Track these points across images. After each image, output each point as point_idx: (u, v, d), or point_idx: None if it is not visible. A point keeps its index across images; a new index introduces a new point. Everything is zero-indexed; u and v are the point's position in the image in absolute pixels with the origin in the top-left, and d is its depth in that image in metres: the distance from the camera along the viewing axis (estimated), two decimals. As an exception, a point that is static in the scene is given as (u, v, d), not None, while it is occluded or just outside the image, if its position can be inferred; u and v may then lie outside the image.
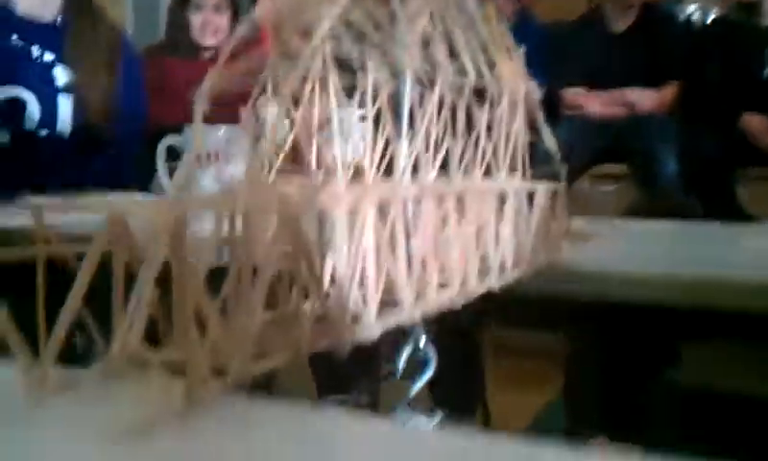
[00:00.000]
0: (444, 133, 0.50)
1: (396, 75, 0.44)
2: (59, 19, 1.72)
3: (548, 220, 0.69)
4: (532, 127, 0.65)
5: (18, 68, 1.66)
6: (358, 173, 0.45)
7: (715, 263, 0.81)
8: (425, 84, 0.48)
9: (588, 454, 0.27)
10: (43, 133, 1.67)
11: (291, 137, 0.44)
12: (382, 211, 0.43)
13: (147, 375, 0.32)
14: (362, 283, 0.42)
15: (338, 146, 0.40)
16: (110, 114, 1.72)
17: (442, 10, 0.48)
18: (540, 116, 0.64)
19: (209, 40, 2.19)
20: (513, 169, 0.61)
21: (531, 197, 0.65)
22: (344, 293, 0.40)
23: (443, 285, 0.52)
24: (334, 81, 0.37)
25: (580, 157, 2.53)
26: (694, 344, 0.95)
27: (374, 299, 0.42)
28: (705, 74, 2.69)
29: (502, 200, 0.59)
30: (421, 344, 0.53)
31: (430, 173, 0.48)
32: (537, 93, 0.61)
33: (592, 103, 2.73)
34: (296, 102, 0.45)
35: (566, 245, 0.76)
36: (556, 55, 2.61)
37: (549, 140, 0.66)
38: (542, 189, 0.66)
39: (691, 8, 3.14)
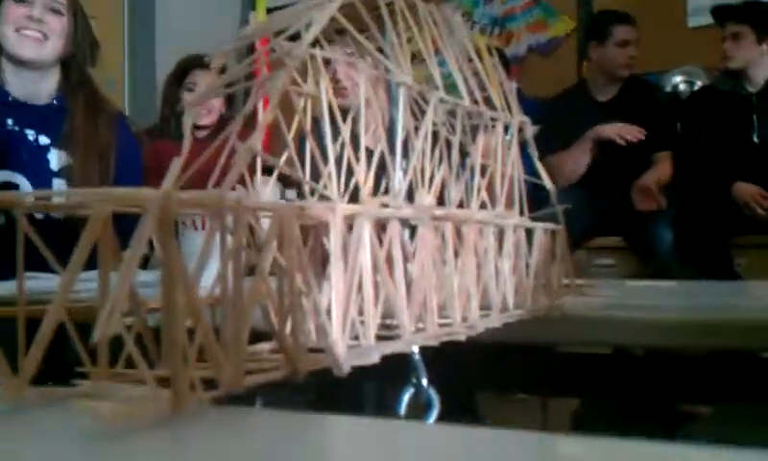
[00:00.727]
0: (440, 162, 0.49)
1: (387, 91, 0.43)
2: (54, 102, 1.73)
3: (548, 262, 0.67)
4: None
5: (13, 153, 1.66)
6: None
7: (716, 309, 0.80)
8: (417, 111, 0.47)
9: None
10: (38, 216, 1.66)
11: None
12: (379, 235, 0.42)
13: (134, 388, 0.30)
14: (360, 306, 0.40)
15: (333, 166, 0.39)
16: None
17: (434, 33, 0.48)
18: (535, 152, 0.63)
19: (204, 120, 2.22)
20: (509, 206, 0.60)
21: (530, 238, 0.64)
22: (341, 313, 0.38)
23: (443, 321, 0.50)
24: (326, 86, 0.37)
25: (575, 229, 2.53)
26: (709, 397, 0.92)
27: (372, 320, 0.40)
28: (694, 142, 2.72)
29: (500, 236, 0.58)
30: (423, 384, 0.51)
31: (426, 198, 0.47)
32: (530, 129, 0.61)
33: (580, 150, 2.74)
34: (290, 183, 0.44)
35: (569, 295, 0.75)
36: (544, 126, 2.63)
37: (545, 178, 0.65)
38: (541, 228, 0.65)
39: (677, 78, 3.20)
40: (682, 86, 3.20)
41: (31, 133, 1.68)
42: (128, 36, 3.52)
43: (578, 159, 2.76)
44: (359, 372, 0.39)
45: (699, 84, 3.14)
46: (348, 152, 0.39)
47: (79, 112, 1.70)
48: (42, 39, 1.68)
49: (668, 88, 3.16)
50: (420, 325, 0.47)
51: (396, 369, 0.48)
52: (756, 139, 2.66)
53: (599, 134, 2.71)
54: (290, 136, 0.42)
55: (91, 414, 0.26)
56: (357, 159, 0.41)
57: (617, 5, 3.01)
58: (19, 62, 1.68)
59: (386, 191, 0.47)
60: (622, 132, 2.69)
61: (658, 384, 0.83)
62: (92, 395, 0.30)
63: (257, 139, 0.31)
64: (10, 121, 1.67)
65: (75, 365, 0.35)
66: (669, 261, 2.59)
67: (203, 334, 0.29)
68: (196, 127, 2.24)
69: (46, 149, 1.68)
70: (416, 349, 0.49)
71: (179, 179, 0.33)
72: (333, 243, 0.37)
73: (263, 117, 0.32)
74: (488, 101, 0.55)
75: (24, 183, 1.65)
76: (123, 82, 3.47)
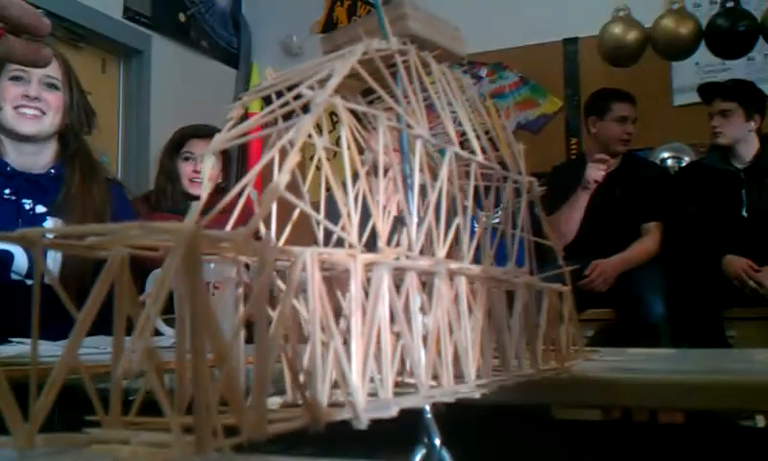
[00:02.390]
0: (452, 216, 0.49)
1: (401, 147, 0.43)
2: (52, 171, 1.73)
3: (557, 323, 0.66)
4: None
5: (8, 221, 1.66)
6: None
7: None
8: (433, 163, 0.47)
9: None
10: (29, 282, 1.65)
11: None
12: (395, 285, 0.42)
13: (153, 434, 0.28)
14: (377, 357, 0.39)
15: (353, 215, 0.39)
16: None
17: (447, 90, 0.48)
18: (543, 212, 0.63)
19: (198, 190, 2.23)
20: (518, 264, 0.60)
21: (539, 299, 0.64)
22: (360, 363, 0.37)
23: (457, 376, 0.49)
24: (348, 135, 0.37)
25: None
26: None
27: (390, 373, 0.39)
28: (684, 215, 2.75)
29: (510, 294, 0.57)
30: (436, 443, 0.49)
31: (440, 252, 0.46)
32: (537, 189, 0.61)
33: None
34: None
35: (576, 358, 0.74)
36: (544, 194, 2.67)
37: (552, 238, 0.65)
38: (550, 289, 0.64)
39: (665, 154, 3.26)
40: (669, 162, 3.26)
41: (27, 203, 1.68)
42: (122, 111, 3.56)
43: (569, 217, 2.78)
44: (366, 429, 0.38)
45: (686, 159, 3.20)
46: (367, 198, 0.38)
47: (75, 180, 1.70)
48: (40, 115, 1.70)
49: (657, 163, 3.22)
50: (433, 383, 0.46)
51: (405, 428, 0.47)
52: (744, 214, 2.69)
53: (585, 182, 2.73)
54: (305, 188, 0.42)
55: (112, 457, 0.24)
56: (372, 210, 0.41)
57: (605, 84, 3.09)
58: (18, 137, 1.69)
59: (396, 245, 0.47)
60: (596, 165, 2.73)
61: (670, 450, 0.82)
62: (107, 441, 0.28)
63: (282, 181, 0.31)
64: (7, 191, 1.67)
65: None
66: (661, 333, 2.58)
67: (226, 380, 0.28)
68: (191, 197, 2.24)
69: (42, 217, 1.68)
70: (427, 406, 0.48)
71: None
72: (354, 292, 0.36)
73: (288, 160, 0.32)
74: (499, 160, 0.55)
75: (18, 252, 1.63)
76: (117, 154, 3.49)
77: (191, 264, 0.26)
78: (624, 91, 2.92)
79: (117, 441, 0.27)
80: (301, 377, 0.37)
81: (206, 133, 2.33)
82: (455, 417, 0.52)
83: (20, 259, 1.64)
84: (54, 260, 1.65)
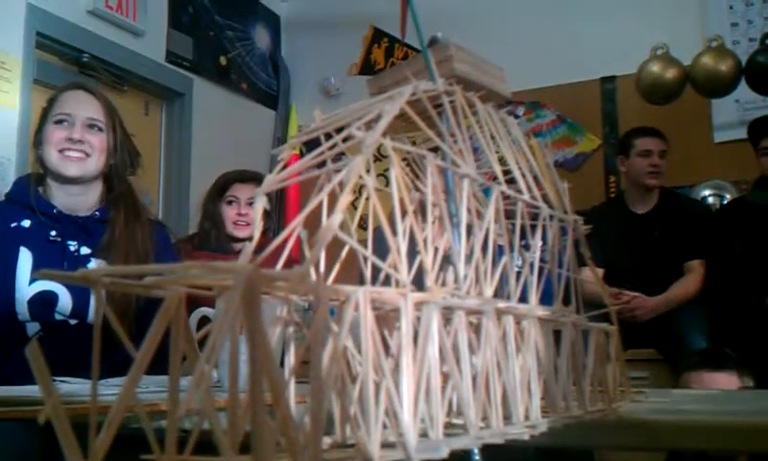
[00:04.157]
0: (498, 255, 0.49)
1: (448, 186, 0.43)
2: (97, 213, 1.77)
3: (604, 363, 0.66)
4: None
5: (54, 262, 1.69)
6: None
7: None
8: (478, 202, 0.48)
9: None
10: (73, 322, 1.67)
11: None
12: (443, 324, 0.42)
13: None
14: (426, 397, 0.39)
15: (403, 253, 0.39)
16: (144, 305, 1.72)
17: (492, 130, 0.48)
18: (588, 252, 0.63)
19: (242, 233, 2.26)
20: (566, 303, 0.59)
21: (585, 338, 0.63)
22: (411, 403, 0.37)
23: (504, 417, 0.48)
24: (398, 174, 0.37)
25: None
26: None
27: (440, 413, 0.39)
28: (729, 251, 2.70)
29: (557, 334, 0.57)
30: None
31: (488, 290, 0.46)
32: (581, 227, 0.61)
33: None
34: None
35: (623, 399, 0.72)
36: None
37: (597, 277, 0.64)
38: (597, 328, 0.63)
39: (706, 192, 3.22)
40: (710, 200, 3.22)
41: (73, 244, 1.71)
42: (164, 152, 3.63)
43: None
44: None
45: (728, 197, 3.15)
46: (416, 236, 0.39)
47: (119, 222, 1.73)
48: (84, 158, 1.73)
49: (698, 200, 3.18)
50: (482, 423, 0.46)
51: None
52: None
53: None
54: (353, 226, 0.43)
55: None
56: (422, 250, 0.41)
57: (643, 122, 3.07)
58: (63, 179, 1.73)
59: (442, 283, 0.47)
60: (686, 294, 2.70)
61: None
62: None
63: (336, 220, 0.31)
64: (53, 233, 1.71)
65: None
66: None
67: (282, 420, 0.28)
68: (234, 240, 2.27)
69: (86, 259, 1.71)
70: (475, 448, 0.48)
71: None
72: (404, 330, 0.36)
73: (341, 200, 0.33)
74: (544, 198, 0.55)
75: (63, 293, 1.66)
76: (158, 194, 3.55)
77: (250, 303, 0.26)
78: (647, 127, 2.93)
79: (176, 479, 0.28)
80: (353, 417, 0.37)
81: (250, 177, 2.36)
82: (500, 457, 0.51)
83: (65, 299, 1.67)
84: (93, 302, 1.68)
